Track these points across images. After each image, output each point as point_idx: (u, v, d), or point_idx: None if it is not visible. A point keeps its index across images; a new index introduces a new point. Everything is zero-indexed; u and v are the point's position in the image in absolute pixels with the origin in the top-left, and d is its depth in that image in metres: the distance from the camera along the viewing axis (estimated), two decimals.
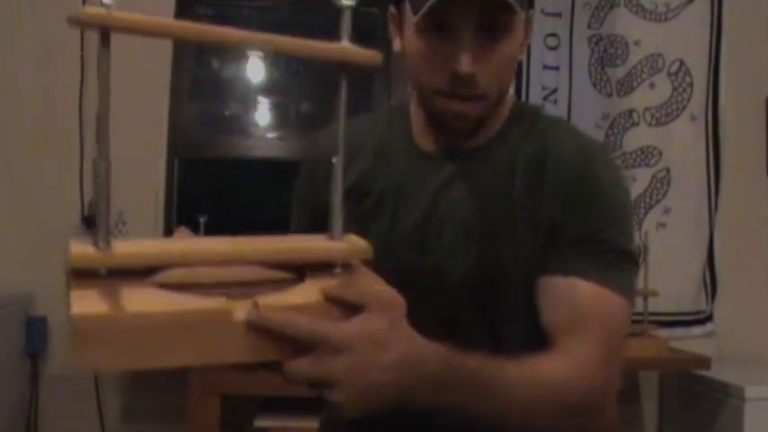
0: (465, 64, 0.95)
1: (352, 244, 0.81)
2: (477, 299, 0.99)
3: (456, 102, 1.00)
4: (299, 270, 0.80)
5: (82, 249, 0.71)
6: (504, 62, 1.00)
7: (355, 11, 0.79)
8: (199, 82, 2.75)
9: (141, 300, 0.69)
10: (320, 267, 0.79)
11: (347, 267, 0.80)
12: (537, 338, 0.94)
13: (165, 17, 0.77)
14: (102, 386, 2.49)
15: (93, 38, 2.75)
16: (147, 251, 0.75)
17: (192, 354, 0.69)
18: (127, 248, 0.73)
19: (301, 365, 0.72)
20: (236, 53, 2.78)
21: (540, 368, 0.88)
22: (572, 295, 0.95)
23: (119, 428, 2.53)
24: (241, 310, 0.71)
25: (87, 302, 0.68)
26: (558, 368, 0.89)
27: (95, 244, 0.71)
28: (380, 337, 0.75)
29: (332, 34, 0.79)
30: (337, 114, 0.80)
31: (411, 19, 0.99)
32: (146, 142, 2.49)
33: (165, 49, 2.52)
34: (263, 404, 2.27)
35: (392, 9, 1.07)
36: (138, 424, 2.54)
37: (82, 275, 0.71)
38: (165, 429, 2.48)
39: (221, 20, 2.85)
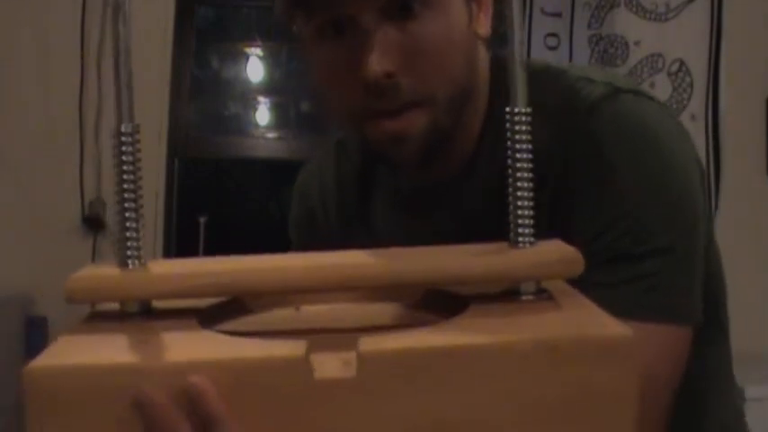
0: (373, 63, 0.69)
1: (549, 252, 0.51)
2: None
3: (384, 121, 0.72)
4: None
5: (99, 271, 0.49)
6: (435, 45, 0.71)
7: None
8: (199, 82, 2.75)
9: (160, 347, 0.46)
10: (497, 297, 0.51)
11: (543, 292, 0.51)
12: None
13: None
14: None
15: (93, 38, 2.71)
16: (198, 269, 0.51)
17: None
18: (170, 267, 0.50)
19: None
20: None
21: None
22: None
23: None
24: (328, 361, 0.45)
25: (61, 351, 0.45)
26: None
27: (122, 261, 0.49)
28: None
29: None
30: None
31: (303, 29, 0.75)
32: (145, 143, 2.47)
33: (165, 49, 2.51)
34: None
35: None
36: None
37: (99, 317, 0.49)
38: None
39: (221, 20, 2.85)
